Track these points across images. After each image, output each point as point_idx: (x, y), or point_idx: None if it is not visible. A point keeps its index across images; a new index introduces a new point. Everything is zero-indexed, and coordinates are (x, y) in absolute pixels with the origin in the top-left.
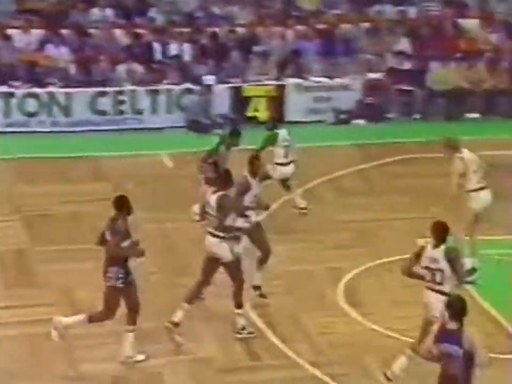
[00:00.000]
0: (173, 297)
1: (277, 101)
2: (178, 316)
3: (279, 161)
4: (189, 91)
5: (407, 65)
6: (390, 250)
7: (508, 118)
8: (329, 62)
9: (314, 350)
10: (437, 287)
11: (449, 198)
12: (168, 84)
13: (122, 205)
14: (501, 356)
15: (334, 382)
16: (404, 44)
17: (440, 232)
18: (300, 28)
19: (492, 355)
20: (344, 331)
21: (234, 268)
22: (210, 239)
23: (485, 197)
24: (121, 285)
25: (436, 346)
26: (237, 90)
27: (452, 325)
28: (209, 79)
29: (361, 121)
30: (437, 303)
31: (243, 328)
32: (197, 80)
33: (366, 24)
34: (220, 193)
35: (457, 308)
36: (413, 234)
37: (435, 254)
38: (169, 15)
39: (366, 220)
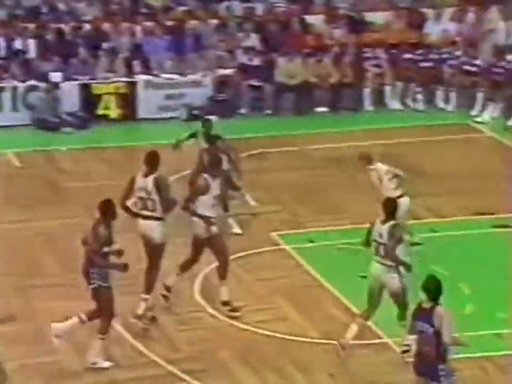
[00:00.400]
0: (26, 299)
1: (128, 98)
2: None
3: None
4: (34, 88)
5: (256, 61)
6: (244, 245)
7: (354, 111)
8: (180, 59)
9: (171, 347)
10: (382, 260)
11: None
12: (12, 80)
13: (106, 209)
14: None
15: (191, 378)
16: (253, 40)
17: (390, 209)
18: (148, 24)
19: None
20: (201, 326)
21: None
22: (145, 222)
23: (405, 203)
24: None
25: (413, 324)
26: (86, 88)
27: (427, 304)
28: (55, 76)
29: (213, 117)
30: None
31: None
32: (42, 77)
33: (215, 21)
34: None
35: (432, 287)
36: (268, 228)
37: (382, 229)
38: (12, 9)
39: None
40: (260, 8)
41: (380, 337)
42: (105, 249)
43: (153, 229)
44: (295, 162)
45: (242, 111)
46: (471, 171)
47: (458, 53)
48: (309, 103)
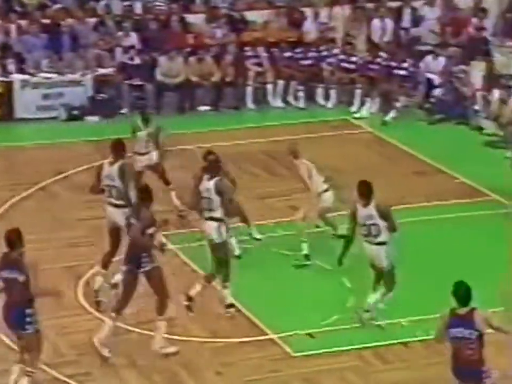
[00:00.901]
0: None
1: (4, 98)
2: None
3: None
4: None
5: (137, 60)
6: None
7: (236, 110)
8: (57, 58)
9: (54, 351)
10: (375, 240)
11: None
12: None
13: (145, 193)
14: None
15: (76, 382)
16: (133, 39)
17: (367, 192)
18: (24, 22)
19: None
20: (85, 330)
21: None
22: (111, 210)
23: (331, 196)
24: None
25: (446, 333)
26: None
27: (462, 310)
28: None
29: (94, 118)
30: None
31: None
32: None
33: (93, 19)
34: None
35: (462, 293)
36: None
37: (369, 212)
38: None
39: (100, 216)
40: (138, 7)
41: (265, 334)
42: (149, 231)
43: (118, 215)
44: (179, 162)
45: (124, 110)
46: (351, 166)
47: (336, 50)
48: (191, 102)
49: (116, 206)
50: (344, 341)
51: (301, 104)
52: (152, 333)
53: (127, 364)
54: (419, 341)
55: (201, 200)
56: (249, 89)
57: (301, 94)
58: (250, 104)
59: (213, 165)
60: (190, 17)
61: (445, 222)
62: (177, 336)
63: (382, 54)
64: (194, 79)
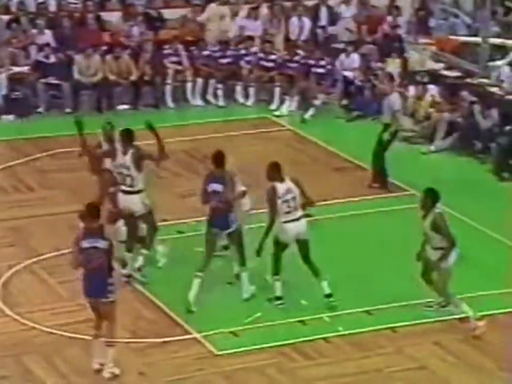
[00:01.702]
0: None
1: None
2: None
3: None
4: None
5: (52, 59)
6: (46, 247)
7: (155, 108)
8: None
9: None
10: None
11: None
12: None
13: (221, 160)
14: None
15: None
16: (47, 37)
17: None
18: None
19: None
20: (2, 332)
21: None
22: (125, 197)
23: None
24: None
25: None
26: None
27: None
28: None
29: (9, 117)
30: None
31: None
32: None
33: (6, 17)
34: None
35: None
36: (68, 228)
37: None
38: None
39: (19, 217)
40: (52, 4)
41: (188, 333)
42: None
43: (135, 202)
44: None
45: (40, 109)
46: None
47: (254, 49)
48: (109, 101)
49: (130, 193)
50: (267, 338)
51: (221, 102)
52: (73, 335)
53: (46, 367)
54: (340, 336)
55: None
56: (168, 88)
57: (220, 92)
58: (169, 102)
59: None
60: (106, 15)
61: (365, 216)
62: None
63: (300, 52)
64: (112, 77)
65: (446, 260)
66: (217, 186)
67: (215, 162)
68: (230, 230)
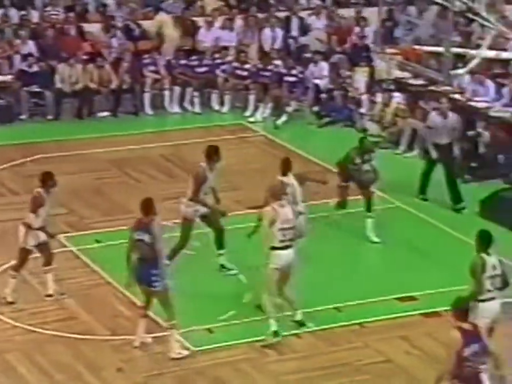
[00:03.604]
0: None
1: None
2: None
3: None
4: None
5: (35, 68)
6: None
7: (135, 115)
8: None
9: None
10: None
11: None
12: None
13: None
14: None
15: None
16: (30, 47)
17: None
18: None
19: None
20: None
21: None
22: None
23: None
24: None
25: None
26: None
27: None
28: None
29: None
30: None
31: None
32: None
33: None
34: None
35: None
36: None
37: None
38: None
39: (3, 220)
40: (35, 16)
41: (165, 330)
42: None
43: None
44: (78, 166)
45: (23, 116)
46: (246, 168)
47: (229, 58)
48: (89, 108)
49: None
50: (240, 334)
51: (197, 109)
52: (55, 333)
53: (29, 363)
54: (311, 332)
55: None
56: (147, 96)
57: (196, 100)
58: (148, 110)
59: None
60: (87, 26)
61: (336, 218)
62: (77, 335)
63: (273, 61)
64: (92, 86)
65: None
66: (143, 235)
67: (142, 210)
68: (153, 289)
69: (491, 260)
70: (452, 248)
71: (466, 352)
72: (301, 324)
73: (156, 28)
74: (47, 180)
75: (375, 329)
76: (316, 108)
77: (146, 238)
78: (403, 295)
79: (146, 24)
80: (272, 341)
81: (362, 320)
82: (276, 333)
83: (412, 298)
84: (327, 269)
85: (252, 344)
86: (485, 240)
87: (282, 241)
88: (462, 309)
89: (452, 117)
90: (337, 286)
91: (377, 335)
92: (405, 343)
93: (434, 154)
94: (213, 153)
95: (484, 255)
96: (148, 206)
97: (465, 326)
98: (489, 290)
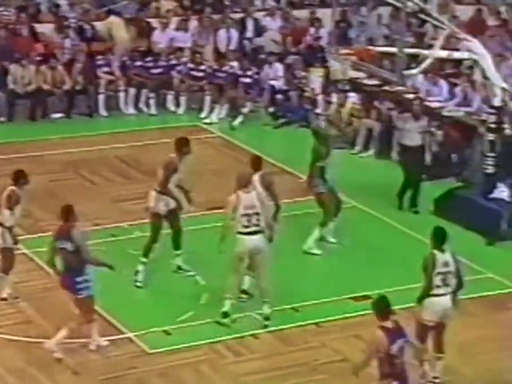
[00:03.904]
0: None
1: None
2: None
3: None
4: None
5: None
6: None
7: (89, 117)
8: None
9: None
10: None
11: None
12: None
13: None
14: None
15: None
16: None
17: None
18: None
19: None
20: None
21: None
22: None
23: None
24: None
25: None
26: None
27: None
28: None
29: None
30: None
31: None
32: None
33: None
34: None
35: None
36: None
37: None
38: None
39: None
40: None
41: (122, 333)
42: None
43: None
44: (32, 168)
45: None
46: (202, 169)
47: (185, 59)
48: (43, 110)
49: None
50: (199, 335)
51: (153, 110)
52: (9, 337)
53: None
54: (268, 332)
55: None
56: (101, 97)
57: (152, 101)
58: (102, 111)
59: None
60: (39, 27)
61: (293, 218)
62: (32, 339)
63: (229, 62)
64: (46, 87)
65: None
66: (65, 244)
67: (62, 217)
68: (78, 296)
69: (443, 256)
70: (406, 247)
71: (394, 349)
72: (265, 317)
73: (106, 29)
74: (19, 177)
75: (331, 328)
76: (271, 109)
77: (68, 246)
78: (358, 294)
79: (99, 25)
80: (223, 321)
81: (318, 320)
82: (225, 314)
83: (367, 297)
84: (284, 269)
85: (211, 345)
86: (439, 237)
87: (246, 226)
88: (382, 309)
89: (424, 119)
90: (294, 286)
91: (334, 335)
92: (360, 341)
93: (395, 155)
94: (183, 146)
95: (436, 251)
96: (67, 213)
97: (388, 324)
98: (438, 286)
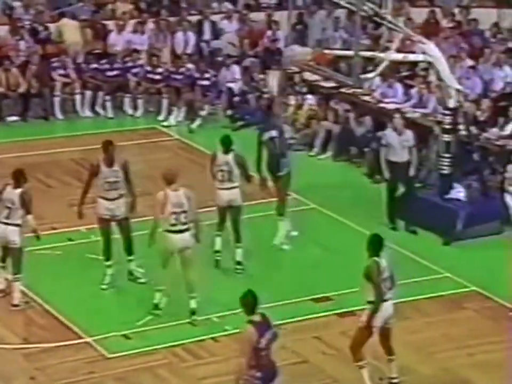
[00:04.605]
0: None
1: None
2: None
3: None
4: None
5: None
6: None
7: (45, 120)
8: None
9: None
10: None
11: None
12: None
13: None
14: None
15: None
16: None
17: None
18: None
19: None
20: None
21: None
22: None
23: None
24: None
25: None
26: None
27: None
28: None
29: None
30: None
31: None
32: None
33: None
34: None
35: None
36: None
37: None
38: None
39: None
40: None
41: (80, 337)
42: None
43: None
44: None
45: None
46: (159, 172)
47: (141, 62)
48: None
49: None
50: (159, 339)
51: (110, 114)
52: None
53: None
54: (228, 335)
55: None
56: (57, 100)
57: (108, 104)
58: (58, 114)
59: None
60: None
61: (255, 220)
62: None
63: (186, 65)
64: (0, 90)
65: None
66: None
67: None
68: None
69: (383, 262)
70: (365, 248)
71: (263, 342)
72: (192, 312)
73: (58, 32)
74: (20, 177)
75: (290, 330)
76: (229, 111)
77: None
78: (318, 295)
79: (52, 27)
80: (153, 312)
81: (278, 322)
82: (155, 306)
83: (327, 298)
84: (245, 272)
85: (170, 349)
86: (376, 244)
87: (174, 224)
88: (249, 303)
89: (408, 133)
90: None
91: (294, 336)
92: (321, 343)
93: (386, 174)
94: (108, 147)
95: (377, 258)
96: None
97: (256, 318)
98: (384, 292)
